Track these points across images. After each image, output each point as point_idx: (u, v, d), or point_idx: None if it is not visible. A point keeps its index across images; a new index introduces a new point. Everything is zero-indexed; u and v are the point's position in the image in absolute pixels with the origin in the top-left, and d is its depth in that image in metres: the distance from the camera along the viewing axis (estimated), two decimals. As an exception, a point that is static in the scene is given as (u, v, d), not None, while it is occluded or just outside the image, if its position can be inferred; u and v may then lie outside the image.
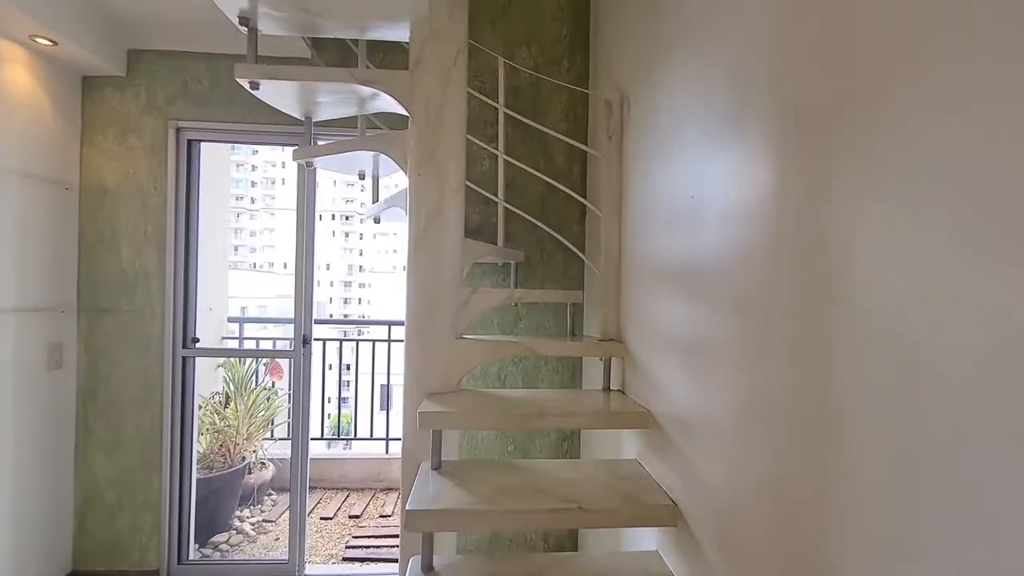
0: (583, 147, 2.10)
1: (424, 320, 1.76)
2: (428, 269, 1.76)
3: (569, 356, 2.42)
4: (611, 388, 1.88)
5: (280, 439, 3.63)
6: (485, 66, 2.52)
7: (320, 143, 2.30)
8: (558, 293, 2.11)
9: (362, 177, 2.34)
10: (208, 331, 3.68)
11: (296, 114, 2.12)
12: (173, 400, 2.48)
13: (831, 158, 0.79)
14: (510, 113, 2.20)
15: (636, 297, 1.75)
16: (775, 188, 0.93)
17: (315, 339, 4.01)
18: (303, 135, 2.31)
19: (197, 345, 2.53)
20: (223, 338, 3.85)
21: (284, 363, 3.58)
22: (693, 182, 1.27)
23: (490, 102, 2.30)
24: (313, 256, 2.53)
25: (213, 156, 3.90)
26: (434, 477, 1.48)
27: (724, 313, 1.11)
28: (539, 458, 2.56)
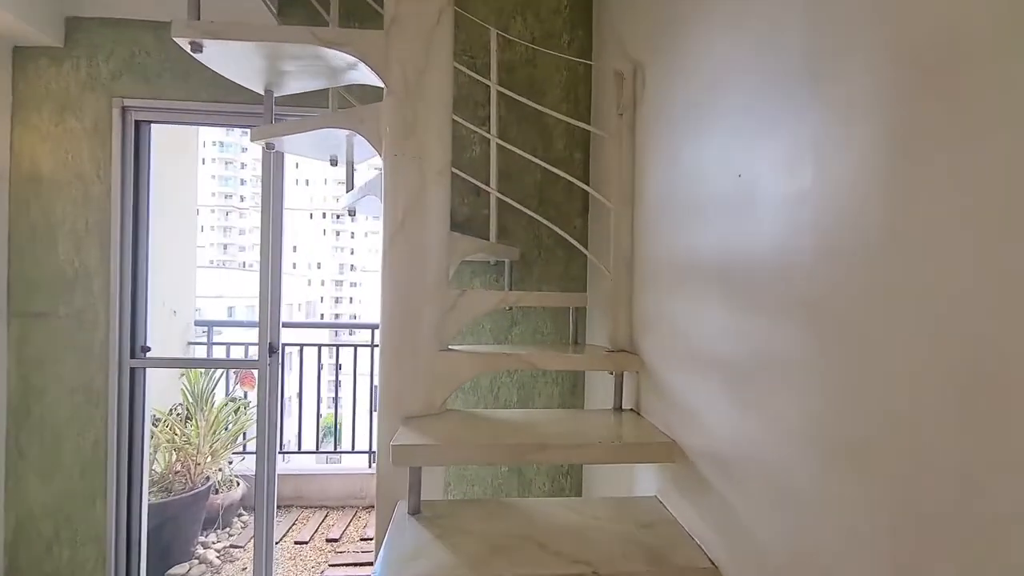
0: (588, 127, 1.82)
1: (402, 329, 1.48)
2: (406, 268, 1.47)
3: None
4: (623, 407, 1.60)
5: (253, 453, 3.32)
6: (476, 39, 2.24)
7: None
8: (559, 296, 1.83)
9: (334, 164, 2.05)
10: (172, 337, 3.38)
11: (256, 87, 1.82)
12: (120, 417, 2.17)
13: (986, 114, 0.51)
14: (504, 91, 1.92)
15: (654, 301, 1.47)
16: (885, 160, 0.65)
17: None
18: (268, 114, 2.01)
19: (148, 354, 2.23)
20: (189, 343, 3.54)
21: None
22: (739, 158, 1.00)
23: (481, 79, 2.02)
24: (281, 254, 2.24)
25: (178, 141, 3.59)
26: (412, 525, 1.19)
27: (789, 323, 0.84)
28: (537, 480, 2.29)
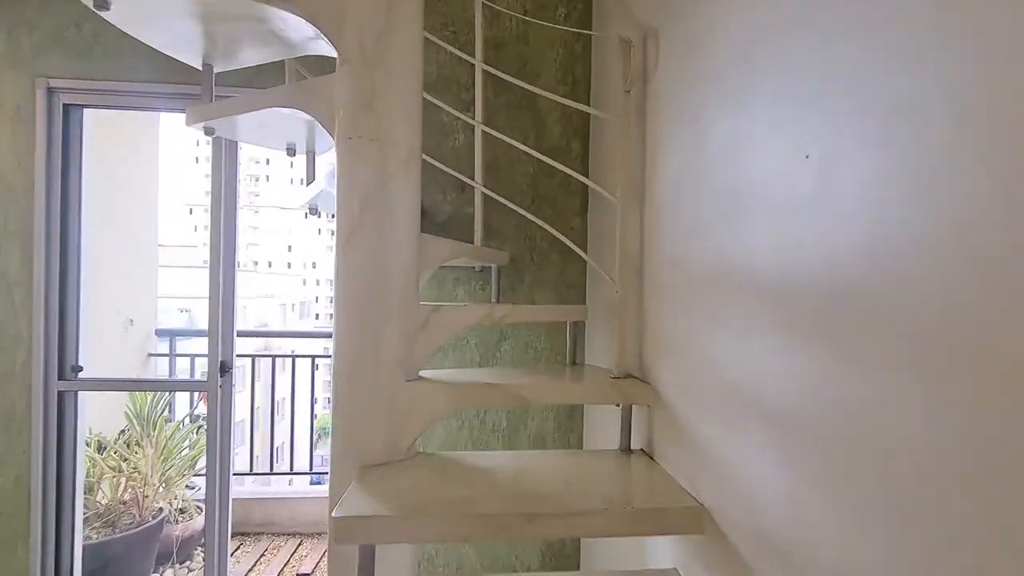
0: (588, 109, 1.53)
1: (358, 354, 1.19)
2: (364, 279, 1.19)
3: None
4: (631, 447, 1.31)
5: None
6: (459, 12, 1.95)
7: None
8: (554, 309, 1.55)
9: (291, 153, 1.75)
10: (128, 349, 3.08)
11: (193, 60, 1.52)
12: (47, 448, 1.88)
13: None
14: (491, 70, 1.63)
15: (672, 319, 1.19)
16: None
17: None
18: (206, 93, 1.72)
19: (80, 375, 1.93)
20: (150, 355, 3.23)
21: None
22: (807, 132, 0.71)
23: (465, 56, 1.73)
24: (234, 259, 1.95)
25: (134, 134, 3.28)
26: (360, 620, 0.91)
27: (900, 367, 0.55)
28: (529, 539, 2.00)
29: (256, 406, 3.11)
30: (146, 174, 3.33)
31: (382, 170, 1.17)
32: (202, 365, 3.04)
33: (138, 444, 2.54)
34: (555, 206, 2.00)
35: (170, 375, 3.11)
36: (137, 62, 1.85)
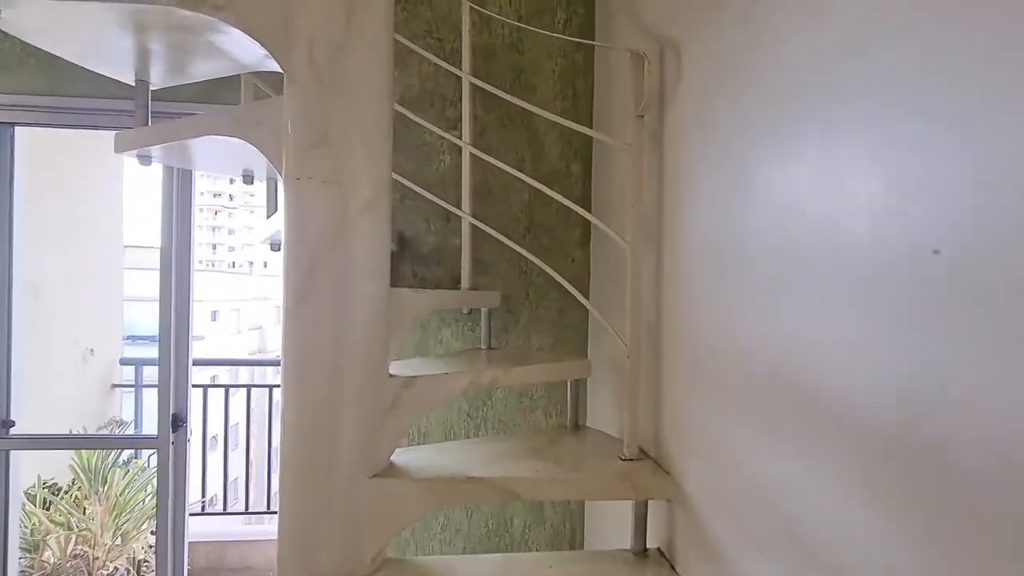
0: (591, 133, 1.31)
1: (310, 445, 0.96)
2: (318, 352, 0.96)
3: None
4: (647, 547, 1.09)
5: (197, 513, 2.76)
6: (444, 17, 1.72)
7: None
8: (555, 368, 1.32)
9: (249, 180, 1.52)
10: (87, 381, 2.84)
11: (119, 74, 1.29)
12: (-28, 514, 1.64)
13: None
14: (480, 84, 1.41)
15: (698, 399, 0.96)
16: None
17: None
18: (158, 116, 1.49)
19: (13, 430, 1.70)
20: (114, 386, 2.99)
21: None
22: (919, 209, 0.48)
23: (450, 68, 1.51)
24: (190, 292, 1.71)
25: (95, 159, 3.03)
26: None
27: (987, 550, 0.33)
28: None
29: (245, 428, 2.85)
30: (111, 201, 3.08)
31: (339, 218, 0.94)
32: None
33: (88, 499, 2.30)
34: (553, 236, 1.78)
35: (136, 408, 2.86)
36: (70, 76, 1.61)
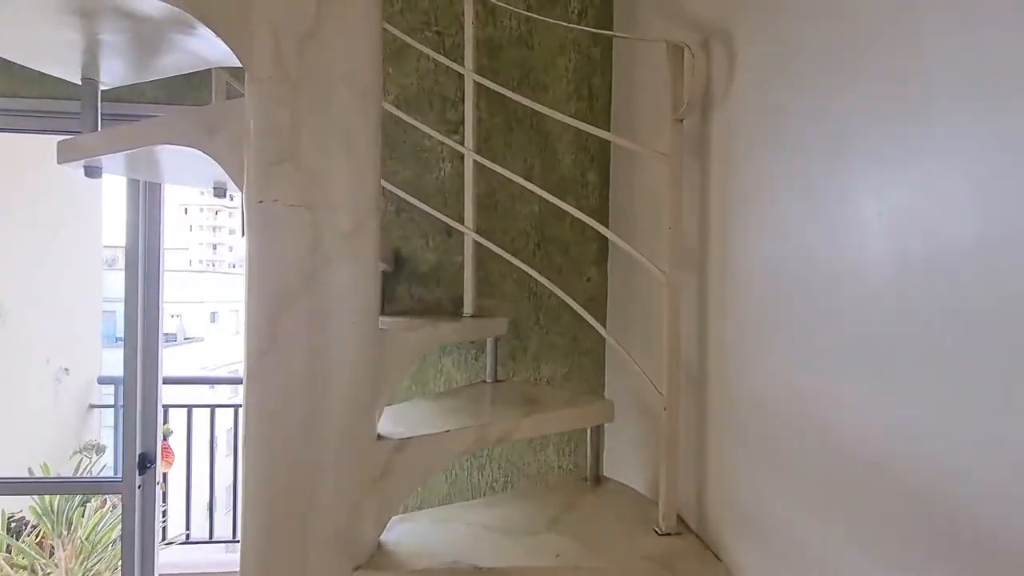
0: (616, 140, 1.12)
1: (280, 534, 0.77)
2: (286, 418, 0.77)
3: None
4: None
5: (172, 542, 2.57)
6: (444, 7, 1.53)
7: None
8: (572, 415, 1.13)
9: (221, 194, 1.33)
10: (62, 402, 2.65)
11: (61, 71, 1.10)
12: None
13: None
14: (485, 82, 1.23)
15: (760, 474, 0.77)
16: None
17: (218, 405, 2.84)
18: (110, 120, 1.31)
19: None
20: (91, 406, 2.80)
21: (178, 443, 2.55)
22: None
23: (452, 65, 1.33)
24: (159, 321, 1.52)
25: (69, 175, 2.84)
26: None
27: None
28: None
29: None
30: (85, 201, 2.89)
31: (312, 250, 0.75)
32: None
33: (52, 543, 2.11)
34: (567, 253, 1.58)
35: (116, 428, 2.67)
36: (27, 75, 1.42)
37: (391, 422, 0.99)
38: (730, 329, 0.87)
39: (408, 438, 0.88)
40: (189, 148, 0.83)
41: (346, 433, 0.80)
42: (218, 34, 0.74)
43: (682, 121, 0.94)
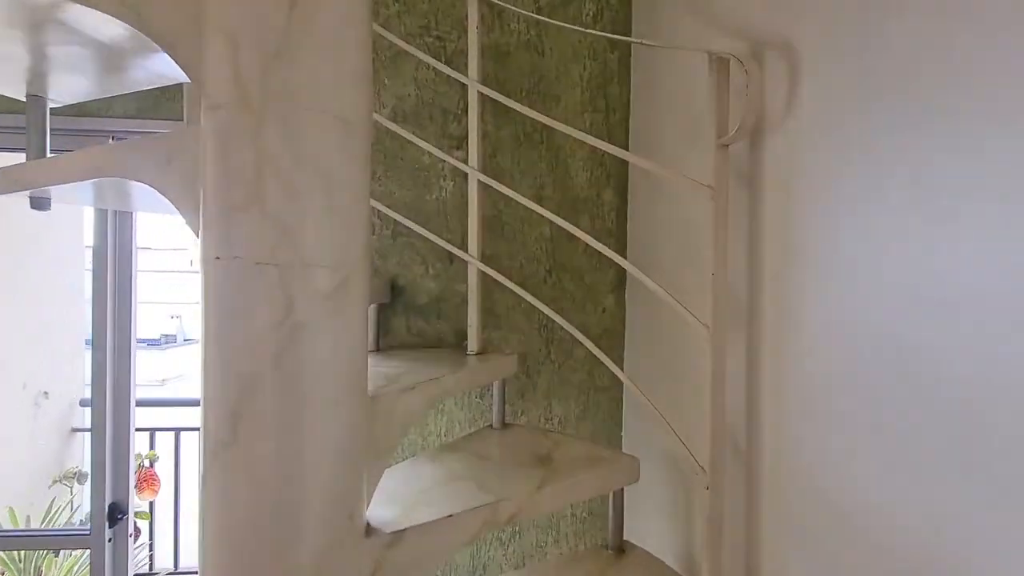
0: (640, 161, 0.97)
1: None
2: (252, 517, 0.62)
3: None
4: None
5: (158, 574, 2.44)
6: (446, 10, 1.38)
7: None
8: (591, 482, 0.98)
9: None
10: (41, 427, 2.51)
11: (10, 88, 0.96)
12: None
13: None
14: (490, 93, 1.09)
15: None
16: None
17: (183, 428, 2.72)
18: (78, 137, 1.17)
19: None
20: (73, 430, 2.65)
21: (164, 469, 2.40)
22: None
23: (454, 74, 1.19)
24: (130, 342, 1.38)
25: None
26: None
27: None
28: None
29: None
30: (70, 239, 2.74)
31: (282, 318, 0.61)
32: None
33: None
34: (581, 280, 1.44)
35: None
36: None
37: (384, 496, 0.85)
38: (791, 403, 0.72)
39: (403, 530, 0.73)
40: (135, 181, 0.69)
41: (327, 532, 0.66)
42: (162, 46, 0.60)
43: (727, 147, 0.80)
